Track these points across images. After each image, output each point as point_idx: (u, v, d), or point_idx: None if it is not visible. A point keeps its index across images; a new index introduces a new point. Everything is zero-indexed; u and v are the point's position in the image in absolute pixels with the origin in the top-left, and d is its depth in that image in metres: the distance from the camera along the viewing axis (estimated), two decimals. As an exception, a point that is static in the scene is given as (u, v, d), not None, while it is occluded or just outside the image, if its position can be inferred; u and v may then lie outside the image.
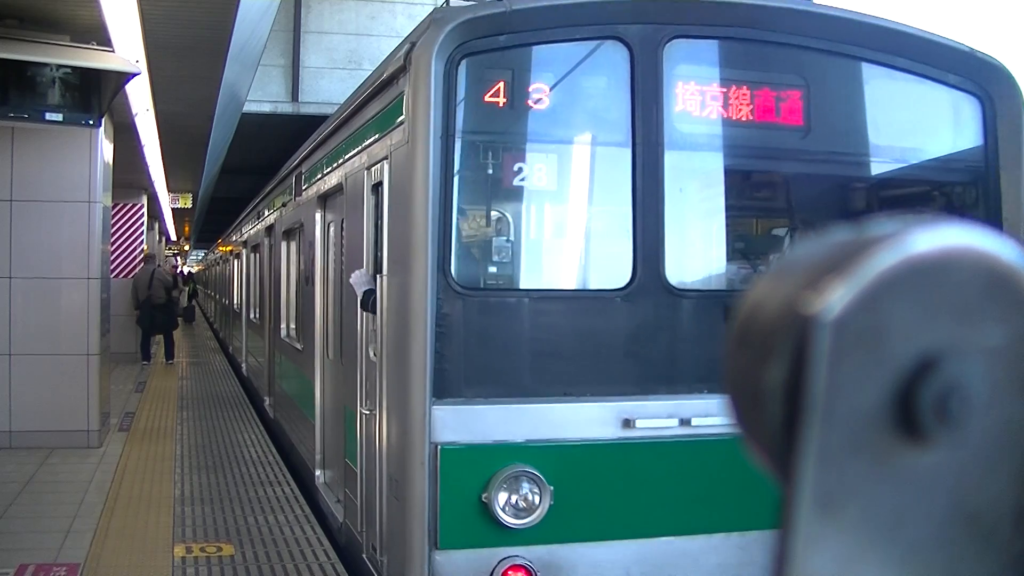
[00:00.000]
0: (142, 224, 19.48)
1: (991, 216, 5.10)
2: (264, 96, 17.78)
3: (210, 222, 39.93)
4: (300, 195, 9.07)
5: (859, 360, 0.56)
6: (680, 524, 4.63)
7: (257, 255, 14.08)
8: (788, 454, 0.57)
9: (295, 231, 9.48)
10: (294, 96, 18.16)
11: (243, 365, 15.61)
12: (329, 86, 18.20)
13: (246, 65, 10.84)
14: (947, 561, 0.60)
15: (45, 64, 7.77)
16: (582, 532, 4.53)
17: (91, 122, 8.21)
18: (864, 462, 0.57)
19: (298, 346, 9.01)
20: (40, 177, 9.63)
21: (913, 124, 5.36)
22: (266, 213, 12.83)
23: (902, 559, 0.59)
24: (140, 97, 9.75)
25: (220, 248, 28.16)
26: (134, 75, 7.96)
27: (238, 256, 18.48)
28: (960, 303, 0.58)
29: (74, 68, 7.83)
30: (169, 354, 18.60)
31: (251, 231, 15.28)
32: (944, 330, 0.58)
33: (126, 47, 7.77)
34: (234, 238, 20.51)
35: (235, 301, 18.69)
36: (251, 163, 25.92)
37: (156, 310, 17.55)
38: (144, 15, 7.09)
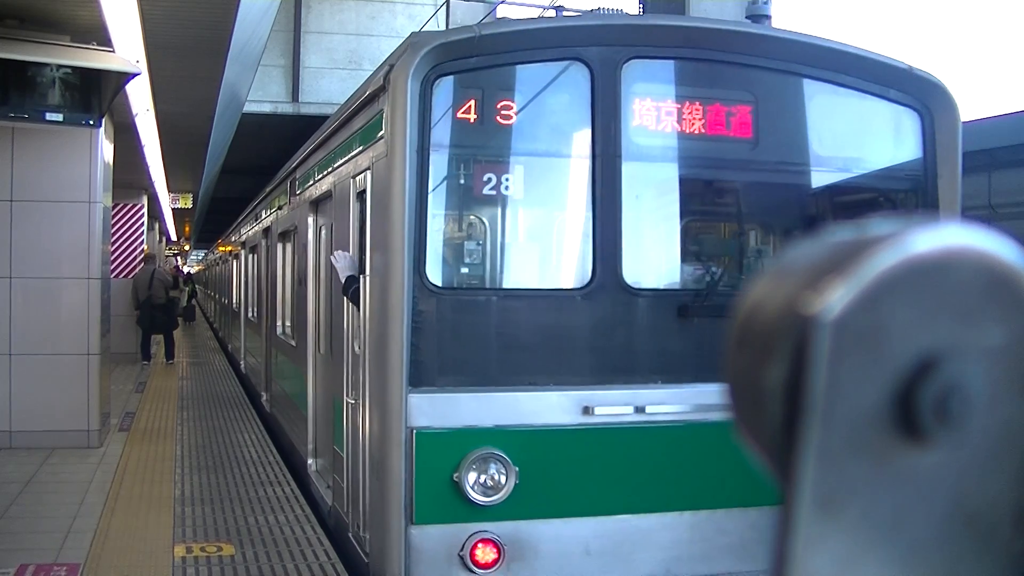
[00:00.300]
0: (142, 224, 19.48)
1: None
2: (264, 96, 17.78)
3: (210, 222, 39.93)
4: (294, 199, 9.50)
5: (859, 360, 0.56)
6: (635, 503, 5.04)
7: (255, 256, 14.56)
8: (788, 454, 0.57)
9: (290, 233, 9.91)
10: (294, 96, 18.16)
11: (242, 364, 16.19)
12: (329, 86, 18.20)
13: (246, 65, 10.85)
14: (947, 561, 0.60)
15: (45, 64, 7.77)
16: (545, 510, 4.95)
17: (91, 122, 8.21)
18: (864, 462, 0.57)
19: (292, 343, 9.41)
20: (40, 177, 9.63)
21: (856, 136, 5.74)
22: (263, 215, 13.28)
23: (902, 559, 0.59)
24: (140, 97, 9.76)
25: (219, 249, 29.27)
26: (134, 75, 7.97)
27: (237, 257, 19.04)
28: (960, 303, 0.58)
29: (74, 68, 7.83)
30: (169, 354, 18.61)
31: (249, 232, 15.89)
32: (944, 330, 0.58)
33: (126, 47, 7.78)
34: (233, 239, 21.24)
35: (234, 301, 19.26)
36: (251, 163, 25.91)
37: (156, 310, 17.55)
38: (144, 15, 7.09)
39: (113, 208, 14.30)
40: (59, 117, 7.95)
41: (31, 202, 9.64)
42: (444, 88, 4.93)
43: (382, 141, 5.20)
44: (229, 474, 8.83)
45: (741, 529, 5.13)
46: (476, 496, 4.83)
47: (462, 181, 5.22)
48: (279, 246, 10.90)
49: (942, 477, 0.59)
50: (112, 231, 14.08)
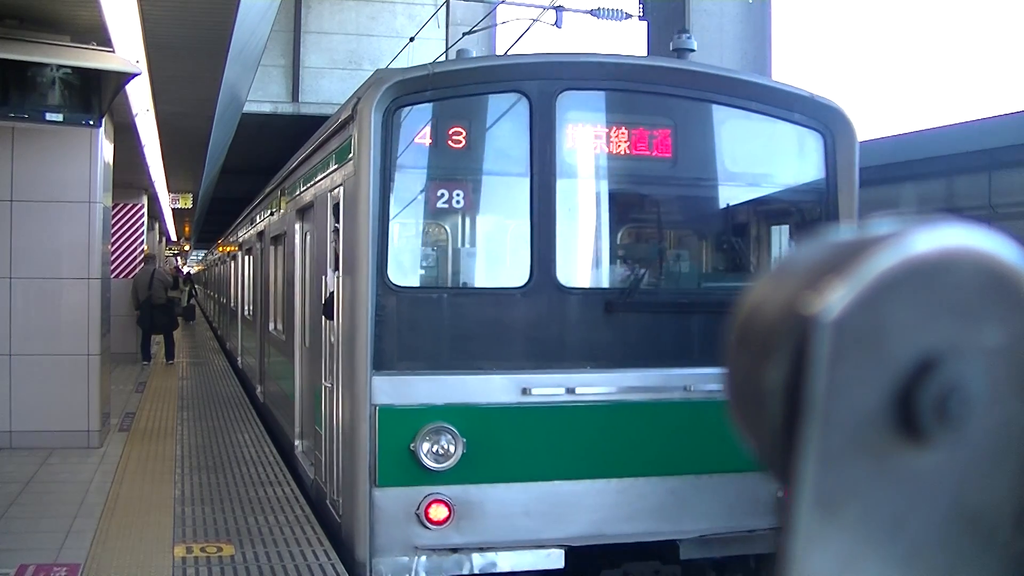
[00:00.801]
0: (142, 224, 19.48)
1: None
2: (264, 96, 17.79)
3: (210, 222, 39.94)
4: (284, 207, 10.29)
5: (859, 360, 0.56)
6: (568, 471, 5.78)
7: (250, 257, 15.36)
8: (788, 454, 0.57)
9: (281, 237, 10.62)
10: (294, 96, 18.17)
11: (239, 360, 16.97)
12: (329, 86, 18.20)
13: (246, 65, 10.85)
14: (947, 561, 0.60)
15: (45, 64, 7.77)
16: (489, 475, 5.72)
17: (91, 122, 8.21)
18: (864, 462, 0.57)
19: (283, 338, 10.13)
20: (40, 177, 9.63)
21: (766, 154, 6.55)
22: (257, 220, 14.12)
23: (902, 559, 0.59)
24: (140, 97, 9.76)
25: (218, 250, 30.72)
26: (134, 75, 7.97)
27: (234, 258, 19.77)
28: (960, 303, 0.58)
29: (74, 68, 7.83)
30: (169, 354, 18.61)
31: (244, 236, 16.78)
32: (944, 330, 0.58)
33: (126, 47, 7.78)
34: (230, 241, 22.26)
35: (231, 300, 20.05)
36: (251, 163, 25.91)
37: (156, 310, 17.55)
38: (144, 15, 7.09)
39: (113, 208, 14.30)
40: (59, 117, 7.94)
41: (31, 202, 9.64)
42: (402, 117, 5.74)
43: (351, 162, 6.00)
44: (229, 474, 8.83)
45: (660, 494, 5.84)
46: (429, 463, 5.60)
47: (419, 196, 6.08)
48: (271, 249, 11.60)
49: (942, 477, 0.59)
50: (112, 231, 14.08)
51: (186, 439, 10.56)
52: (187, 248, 53.61)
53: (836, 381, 0.56)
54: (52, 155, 9.59)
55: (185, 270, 47.85)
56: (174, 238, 40.30)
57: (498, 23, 14.30)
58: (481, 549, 5.76)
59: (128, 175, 15.43)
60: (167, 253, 41.95)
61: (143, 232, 19.54)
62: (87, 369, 9.71)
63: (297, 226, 9.24)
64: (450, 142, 5.88)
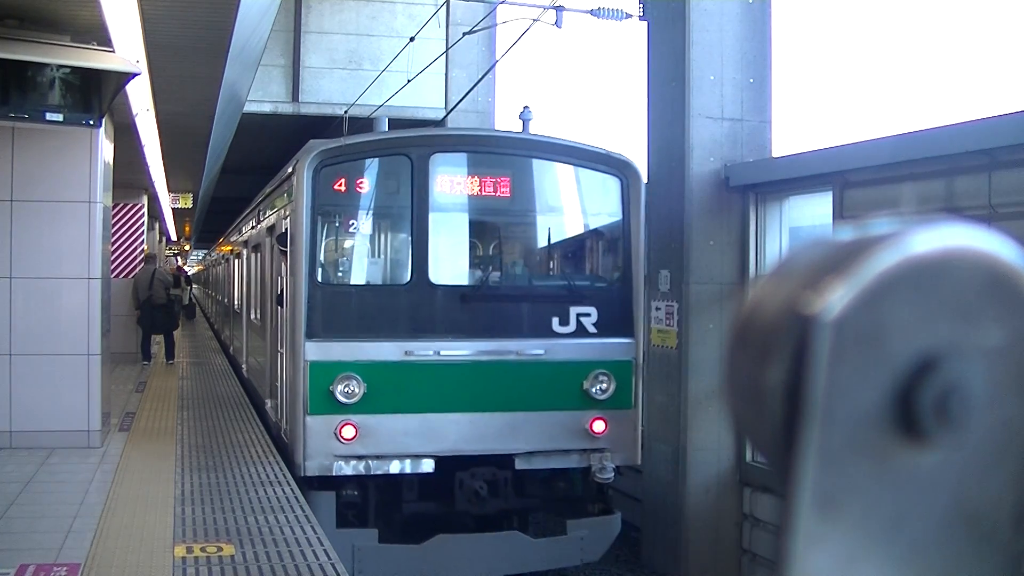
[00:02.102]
0: (142, 224, 19.48)
1: (626, 255, 9.03)
2: (264, 96, 17.78)
3: (210, 222, 39.90)
4: (259, 224, 13.04)
5: (859, 360, 0.56)
6: (436, 406, 8.50)
7: (238, 262, 18.11)
8: (788, 454, 0.57)
9: (259, 247, 13.19)
10: (294, 96, 18.16)
11: (231, 347, 19.43)
12: (329, 86, 18.20)
13: (246, 65, 10.85)
14: (947, 561, 0.60)
15: (45, 64, 7.76)
16: (383, 408, 8.42)
17: (91, 122, 8.20)
18: (864, 462, 0.57)
19: (259, 323, 13.00)
20: (40, 177, 9.62)
21: (579, 194, 9.43)
22: (243, 232, 17.07)
23: (902, 559, 0.59)
24: (140, 97, 9.75)
25: (213, 254, 35.89)
26: (134, 75, 7.96)
27: (226, 260, 23.28)
28: (960, 303, 0.58)
29: (74, 68, 7.82)
30: (169, 354, 18.60)
31: (234, 243, 20.03)
32: (944, 330, 0.58)
33: (126, 47, 7.77)
34: (223, 248, 26.43)
35: (224, 297, 23.48)
36: (252, 163, 25.90)
37: (156, 310, 17.54)
38: (144, 15, 7.09)
39: (113, 208, 14.30)
40: (59, 117, 7.93)
41: (31, 202, 9.64)
42: (325, 173, 8.53)
43: (293, 201, 8.86)
44: (229, 474, 8.83)
45: (500, 423, 8.61)
46: (342, 399, 8.33)
47: (336, 225, 9.01)
48: (252, 256, 14.37)
49: (942, 477, 0.59)
50: (112, 231, 14.07)
51: (186, 439, 10.56)
52: (187, 248, 53.59)
53: (836, 381, 0.56)
54: (52, 155, 9.59)
55: (185, 269, 47.86)
56: (174, 238, 40.28)
57: (498, 23, 14.30)
58: (377, 457, 8.48)
59: (128, 175, 15.42)
60: (167, 253, 41.94)
61: (143, 232, 19.54)
62: (87, 369, 9.70)
63: (267, 240, 11.61)
64: (357, 189, 8.86)
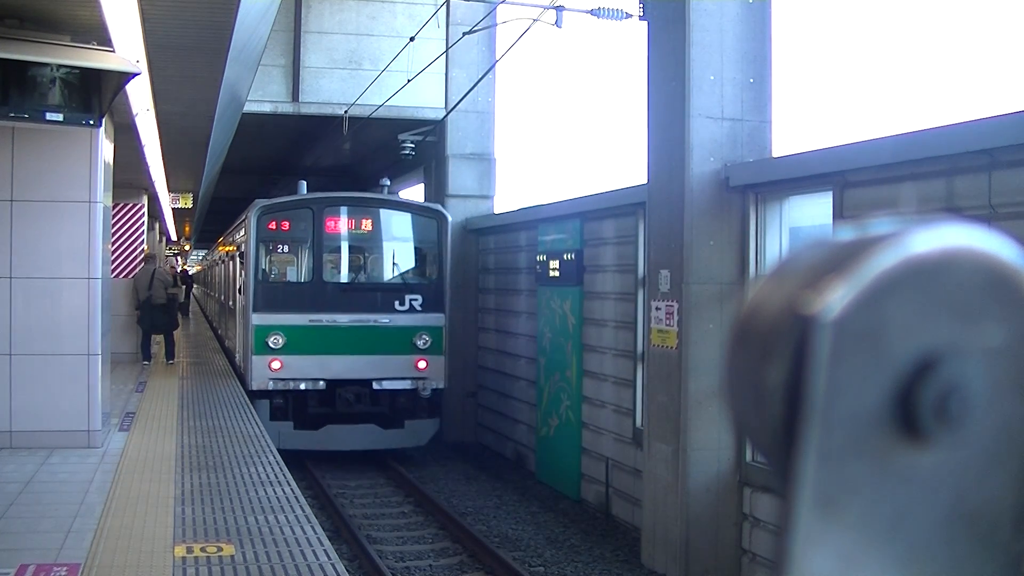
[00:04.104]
0: (142, 224, 19.48)
1: (439, 265, 15.40)
2: (264, 96, 17.78)
3: (211, 222, 39.90)
4: (233, 242, 20.06)
5: (859, 360, 0.57)
6: (328, 350, 14.50)
7: (224, 266, 24.21)
8: (788, 454, 0.57)
9: (236, 256, 18.67)
10: (294, 96, 18.16)
11: (219, 330, 25.38)
12: (329, 86, 18.20)
13: (247, 65, 10.85)
14: (947, 561, 0.60)
15: (45, 64, 7.76)
16: (296, 351, 14.50)
17: (91, 122, 8.20)
18: (864, 462, 0.57)
19: (231, 306, 19.76)
20: (40, 177, 9.63)
21: (413, 229, 15.75)
22: (227, 244, 23.51)
23: (902, 559, 0.59)
24: (140, 97, 9.75)
25: (209, 257, 44.46)
26: (134, 75, 7.96)
27: (217, 264, 30.09)
28: (960, 303, 0.58)
29: (74, 68, 7.82)
30: (170, 354, 18.61)
31: (221, 252, 26.71)
32: (944, 330, 0.58)
33: (126, 47, 7.77)
34: (215, 254, 34.13)
35: (215, 292, 30.46)
36: (252, 163, 25.89)
37: (156, 310, 17.55)
38: (144, 15, 7.09)
39: (113, 208, 14.30)
40: (59, 117, 7.93)
41: (31, 202, 9.64)
42: (265, 218, 14.94)
43: (245, 233, 15.44)
44: (229, 474, 8.83)
45: (364, 362, 14.59)
46: (272, 346, 14.39)
47: (272, 248, 15.30)
48: (231, 262, 20.45)
49: (942, 477, 0.59)
50: (112, 231, 14.07)
51: (186, 439, 10.56)
52: (187, 248, 53.59)
53: (836, 381, 0.56)
54: (52, 155, 9.59)
55: (180, 269, 47.93)
56: (174, 238, 40.28)
57: (498, 23, 14.30)
58: (292, 379, 14.41)
59: (128, 175, 15.43)
60: (167, 253, 41.93)
61: (143, 232, 19.54)
62: (87, 369, 9.70)
63: (237, 255, 17.77)
64: (282, 228, 15.17)
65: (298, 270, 15.38)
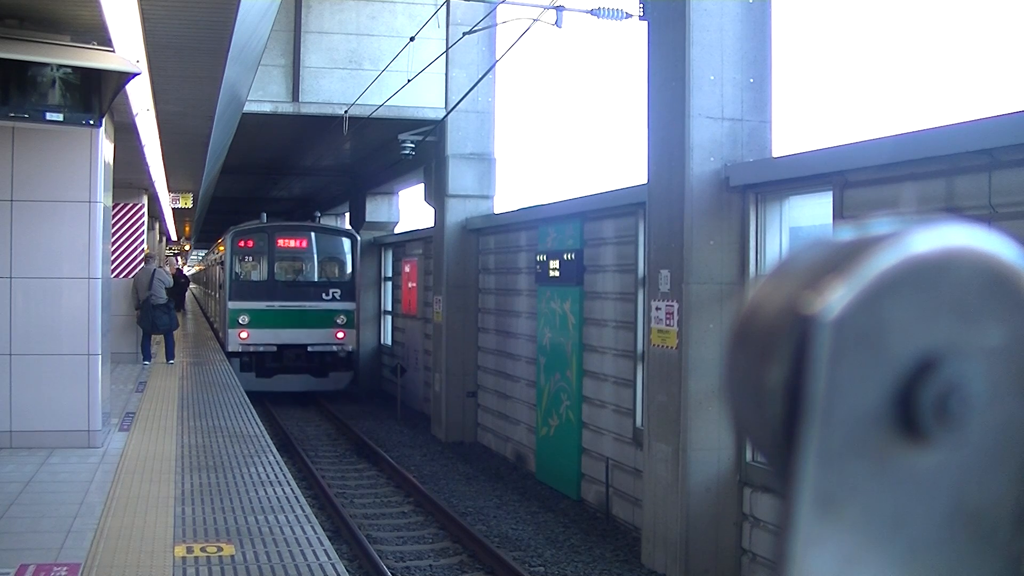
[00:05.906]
0: (142, 224, 19.48)
1: (353, 270, 23.99)
2: (265, 96, 17.78)
3: (211, 222, 39.92)
4: (215, 256, 30.97)
5: (859, 360, 0.57)
6: (279, 325, 22.60)
7: (212, 269, 31.22)
8: (788, 454, 0.57)
9: (215, 265, 26.36)
10: (294, 96, 18.16)
11: (213, 319, 30.90)
12: (329, 86, 18.20)
13: (247, 65, 10.85)
14: (947, 561, 0.60)
15: (45, 64, 7.75)
16: (257, 326, 22.44)
17: (91, 122, 8.20)
18: (864, 462, 0.57)
19: (216, 297, 26.82)
20: (40, 177, 9.62)
21: (336, 247, 24.19)
22: (213, 255, 31.82)
23: (902, 559, 0.59)
24: (140, 97, 9.74)
25: (208, 259, 50.41)
26: (135, 75, 7.95)
27: (210, 267, 36.94)
28: (960, 303, 0.58)
29: (74, 68, 7.82)
30: (170, 354, 18.61)
31: (210, 259, 33.73)
32: (944, 330, 0.58)
33: (126, 47, 7.76)
34: (209, 260, 41.24)
35: (210, 288, 36.35)
36: (251, 163, 25.92)
37: (156, 310, 17.55)
38: (144, 15, 7.08)
39: (113, 208, 14.30)
40: (59, 117, 7.93)
41: (31, 202, 9.64)
42: (236, 239, 23.51)
43: (223, 249, 24.52)
44: (229, 474, 8.83)
45: (302, 333, 22.55)
46: (241, 322, 22.33)
47: (242, 259, 23.46)
48: (216, 267, 27.30)
49: (942, 477, 0.59)
50: (112, 231, 14.07)
51: (186, 439, 10.56)
52: (187, 248, 53.59)
53: (836, 381, 0.56)
54: (52, 155, 9.59)
55: (183, 270, 48.11)
56: (174, 238, 40.29)
57: (498, 23, 14.30)
58: (254, 344, 22.27)
59: (128, 175, 15.42)
60: (167, 253, 41.96)
61: (143, 232, 19.54)
62: (87, 369, 9.70)
63: (218, 264, 26.12)
64: (248, 245, 23.42)
65: (259, 272, 23.23)
